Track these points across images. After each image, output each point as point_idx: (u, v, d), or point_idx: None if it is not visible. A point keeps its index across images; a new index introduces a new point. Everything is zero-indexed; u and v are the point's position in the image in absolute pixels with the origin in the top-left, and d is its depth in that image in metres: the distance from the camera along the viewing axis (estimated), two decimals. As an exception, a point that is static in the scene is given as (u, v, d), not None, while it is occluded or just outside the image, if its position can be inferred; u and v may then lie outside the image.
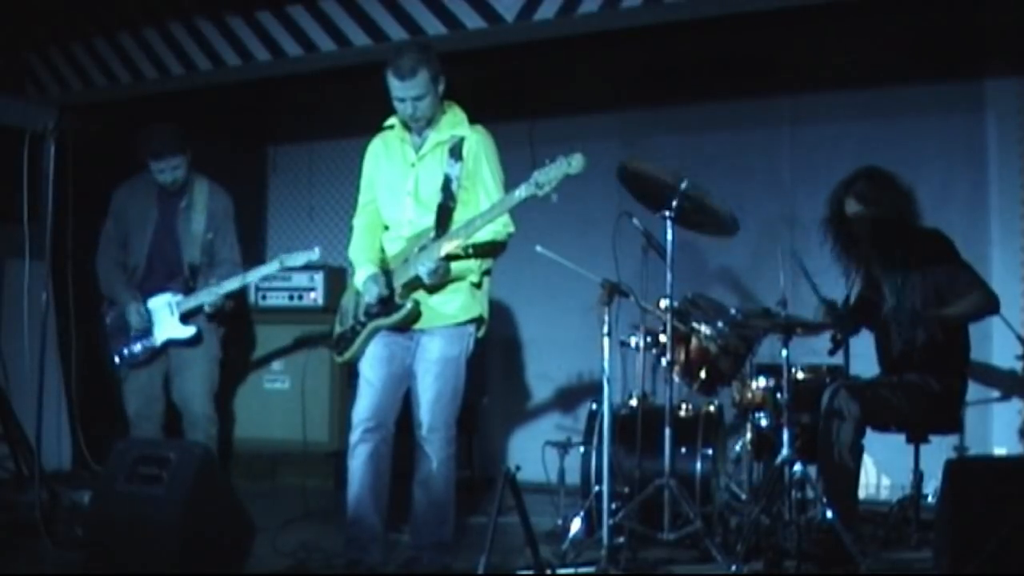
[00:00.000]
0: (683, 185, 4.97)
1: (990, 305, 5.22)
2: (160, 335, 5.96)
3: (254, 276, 6.13)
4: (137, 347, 5.97)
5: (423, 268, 4.58)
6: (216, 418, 6.09)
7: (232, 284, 5.98)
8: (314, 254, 5.95)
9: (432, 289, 4.69)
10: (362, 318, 4.83)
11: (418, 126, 4.75)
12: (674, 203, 4.99)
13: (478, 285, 4.80)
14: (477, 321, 4.82)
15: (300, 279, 7.67)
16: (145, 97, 7.69)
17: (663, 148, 7.49)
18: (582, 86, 7.68)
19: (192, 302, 5.94)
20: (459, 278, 4.72)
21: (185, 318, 5.96)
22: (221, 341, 6.15)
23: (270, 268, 6.11)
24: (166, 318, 5.96)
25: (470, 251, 4.63)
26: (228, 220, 6.18)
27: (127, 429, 6.04)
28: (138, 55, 7.37)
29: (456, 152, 4.72)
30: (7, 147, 5.72)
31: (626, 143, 7.49)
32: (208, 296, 5.91)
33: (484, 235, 4.59)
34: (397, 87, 4.63)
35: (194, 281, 6.04)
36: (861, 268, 5.48)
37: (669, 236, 5.05)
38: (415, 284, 4.69)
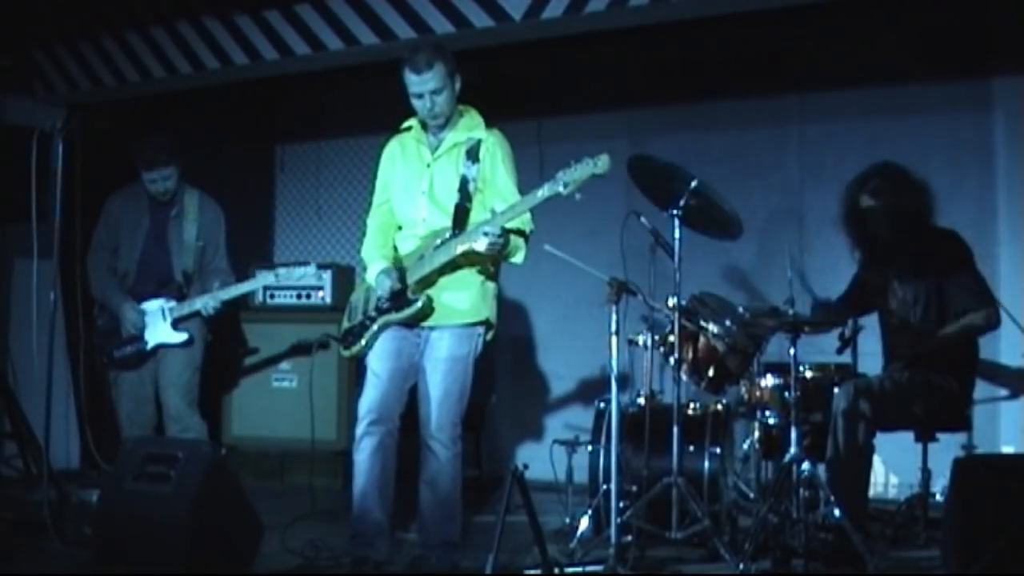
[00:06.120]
0: (693, 184, 5.01)
1: (990, 325, 5.23)
2: (152, 339, 6.08)
3: (249, 287, 6.31)
4: (127, 350, 6.07)
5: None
6: (197, 419, 6.15)
7: (232, 293, 6.15)
8: (310, 270, 6.10)
9: (444, 286, 4.72)
10: (372, 313, 4.84)
11: (436, 124, 4.77)
12: (682, 200, 5.03)
13: (490, 278, 4.82)
14: (485, 324, 4.84)
15: (308, 277, 7.67)
16: (153, 96, 7.72)
17: (671, 146, 7.47)
18: (590, 85, 7.68)
19: (186, 308, 6.08)
20: (472, 271, 4.75)
21: (177, 324, 6.07)
22: (207, 348, 6.25)
23: (265, 280, 6.32)
24: (158, 323, 6.08)
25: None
26: (219, 230, 6.31)
27: (118, 431, 6.10)
28: (146, 54, 7.39)
29: (473, 154, 4.74)
30: (16, 146, 5.74)
31: (633, 142, 7.48)
32: (210, 301, 6.04)
33: (511, 224, 4.59)
34: (415, 82, 4.65)
35: (187, 288, 6.17)
36: (873, 264, 5.48)
37: (677, 235, 5.07)
38: (429, 280, 4.72)
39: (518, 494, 4.39)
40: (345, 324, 5.00)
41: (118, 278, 6.17)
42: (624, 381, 6.18)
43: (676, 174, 5.07)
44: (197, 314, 6.08)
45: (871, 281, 5.50)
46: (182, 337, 6.06)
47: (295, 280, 6.33)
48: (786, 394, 5.30)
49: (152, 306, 6.09)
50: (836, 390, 5.19)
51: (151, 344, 6.07)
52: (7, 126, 6.90)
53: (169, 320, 6.05)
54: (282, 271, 6.24)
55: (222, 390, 7.50)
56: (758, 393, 5.61)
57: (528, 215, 4.67)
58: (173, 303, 6.08)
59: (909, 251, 5.32)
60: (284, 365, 7.53)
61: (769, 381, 5.58)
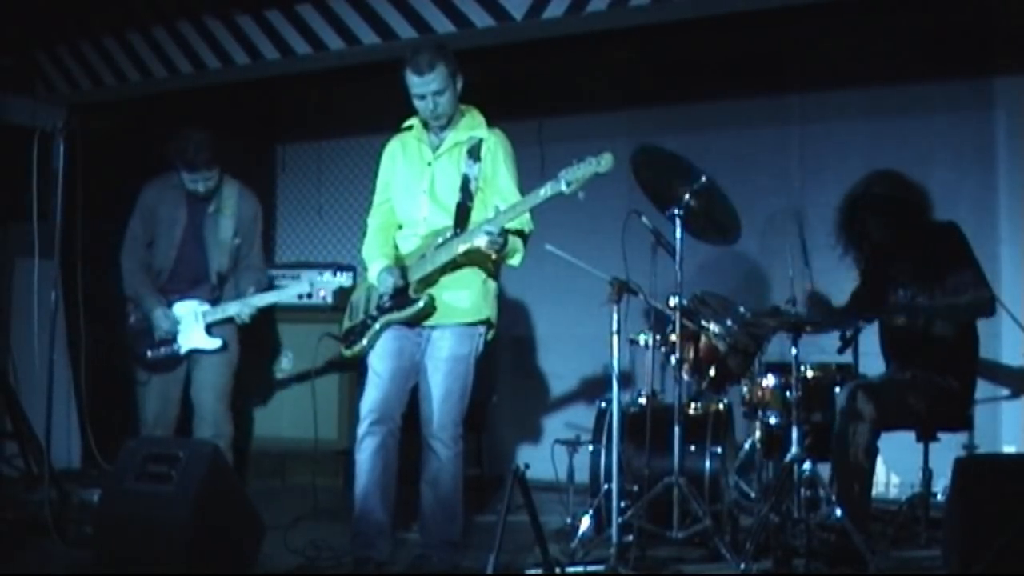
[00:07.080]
0: (701, 180, 5.07)
1: (983, 306, 5.19)
2: (185, 343, 5.98)
3: (286, 295, 6.21)
4: (161, 352, 5.97)
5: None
6: (230, 424, 6.09)
7: (266, 300, 6.07)
8: (347, 280, 6.02)
9: (445, 285, 4.73)
10: (374, 312, 4.84)
11: (438, 124, 4.78)
12: (686, 197, 5.04)
13: (491, 277, 4.83)
14: (487, 323, 4.84)
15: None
16: (154, 96, 7.71)
17: (671, 146, 7.43)
18: (590, 84, 7.69)
19: (220, 314, 5.99)
20: (473, 270, 4.75)
21: (210, 328, 5.98)
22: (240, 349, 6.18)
23: (301, 288, 6.23)
24: (192, 326, 5.97)
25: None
26: (256, 226, 6.21)
27: (139, 432, 6.05)
28: (147, 54, 7.38)
29: (475, 153, 4.75)
30: (17, 146, 5.74)
31: (634, 141, 7.44)
32: (244, 309, 5.97)
33: (512, 224, 4.60)
34: (417, 83, 4.65)
35: (220, 290, 6.08)
36: (872, 265, 5.47)
37: (678, 234, 5.07)
38: (430, 279, 4.72)
39: (519, 494, 4.39)
40: (346, 323, 5.00)
41: (152, 275, 6.08)
42: (625, 381, 6.18)
43: (680, 167, 5.10)
44: (231, 319, 6.02)
45: (875, 285, 5.48)
46: (216, 344, 5.96)
47: (331, 287, 6.22)
48: (787, 394, 5.30)
49: (186, 308, 5.98)
50: (838, 390, 5.19)
51: (185, 349, 5.96)
52: (8, 126, 6.90)
53: (203, 324, 5.95)
54: (316, 278, 6.16)
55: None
56: (759, 393, 5.61)
57: (528, 215, 4.68)
58: (207, 306, 5.97)
59: (909, 254, 5.31)
60: (286, 364, 7.53)
61: (770, 381, 5.57)
